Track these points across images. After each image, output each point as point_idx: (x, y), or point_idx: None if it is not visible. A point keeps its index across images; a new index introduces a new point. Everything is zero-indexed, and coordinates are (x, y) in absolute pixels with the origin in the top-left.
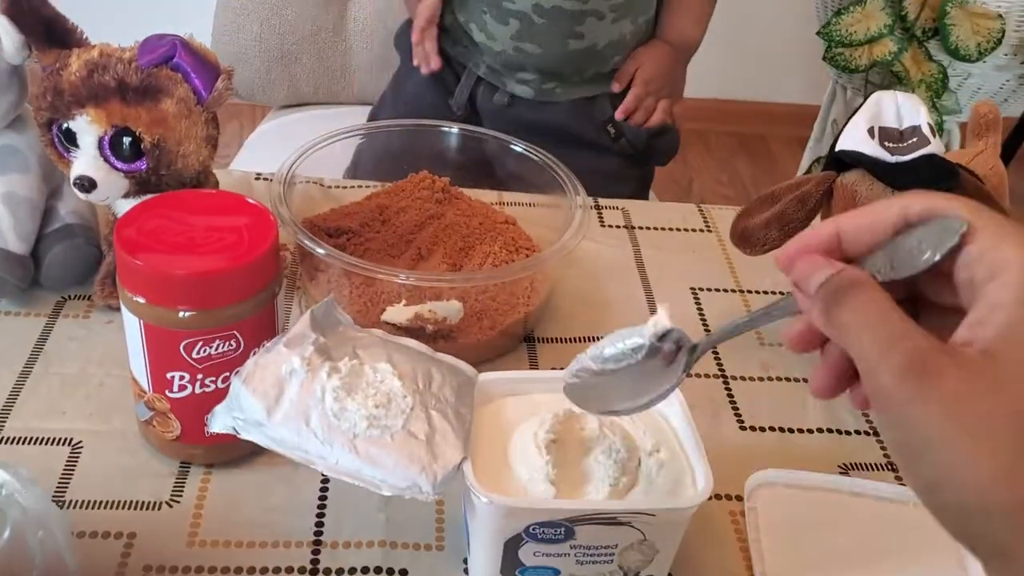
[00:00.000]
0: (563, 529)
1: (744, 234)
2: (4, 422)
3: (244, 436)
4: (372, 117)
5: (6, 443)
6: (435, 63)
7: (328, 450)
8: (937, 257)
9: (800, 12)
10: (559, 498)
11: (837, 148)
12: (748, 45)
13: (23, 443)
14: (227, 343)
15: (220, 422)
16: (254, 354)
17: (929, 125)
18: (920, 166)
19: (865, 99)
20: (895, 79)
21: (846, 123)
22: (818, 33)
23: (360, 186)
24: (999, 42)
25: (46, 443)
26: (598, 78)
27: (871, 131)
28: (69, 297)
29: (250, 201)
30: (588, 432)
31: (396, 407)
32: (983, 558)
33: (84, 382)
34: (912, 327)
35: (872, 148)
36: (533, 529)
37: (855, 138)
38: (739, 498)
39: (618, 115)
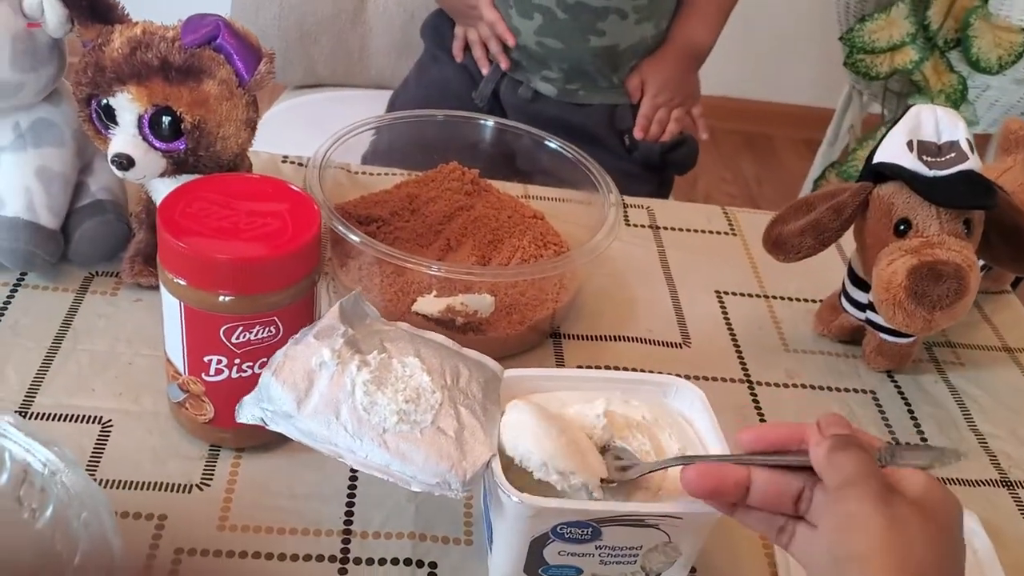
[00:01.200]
0: (590, 529)
1: (778, 241)
2: (34, 397)
3: (273, 428)
4: (393, 101)
5: (37, 418)
6: (504, 63)
7: (358, 444)
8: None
9: (811, 13)
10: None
11: (875, 160)
12: (757, 44)
13: (54, 419)
14: (267, 329)
15: (248, 413)
16: (285, 345)
17: (968, 141)
18: (958, 182)
19: (883, 106)
20: (914, 88)
21: (884, 134)
22: (840, 38)
23: (386, 173)
24: (1020, 56)
25: (76, 420)
26: (621, 87)
27: (910, 144)
28: (97, 273)
29: (293, 187)
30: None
31: (425, 402)
32: None
33: (113, 360)
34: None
35: (911, 161)
36: (560, 529)
37: (894, 150)
38: None
39: (636, 134)
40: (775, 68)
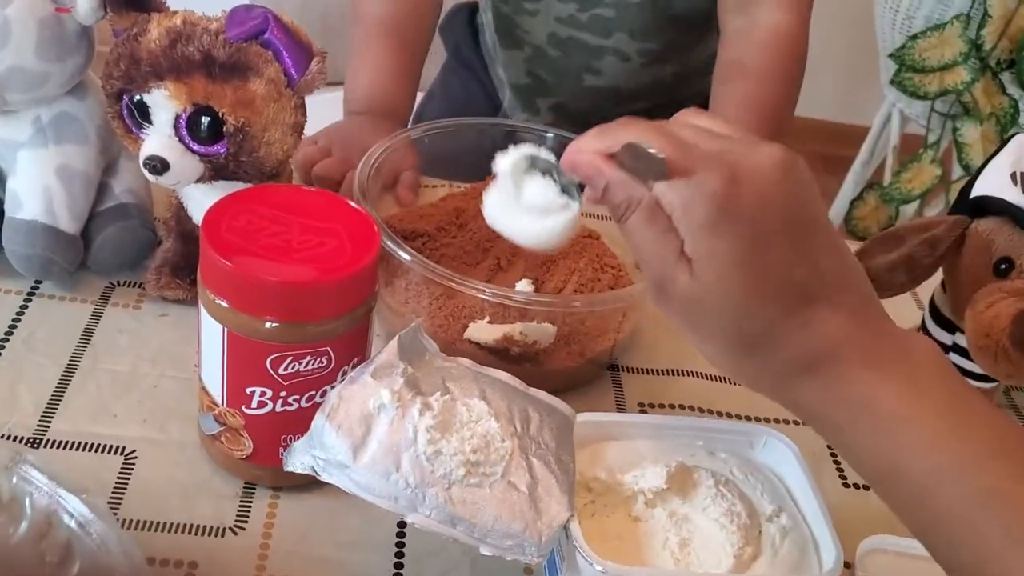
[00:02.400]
0: None
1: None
2: (50, 422)
3: (325, 478)
4: (419, 114)
5: (53, 446)
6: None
7: (420, 500)
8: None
9: (837, 28)
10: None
11: (975, 192)
12: None
13: (72, 448)
14: (318, 360)
15: (298, 460)
16: (337, 380)
17: None
18: None
19: (927, 127)
20: (962, 110)
21: (983, 166)
22: (891, 56)
23: (431, 185)
24: None
25: (96, 450)
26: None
27: (1013, 176)
28: (119, 283)
29: (352, 204)
30: (702, 489)
31: (495, 452)
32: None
33: (137, 382)
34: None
35: (1015, 195)
36: None
37: (996, 183)
38: (848, 565)
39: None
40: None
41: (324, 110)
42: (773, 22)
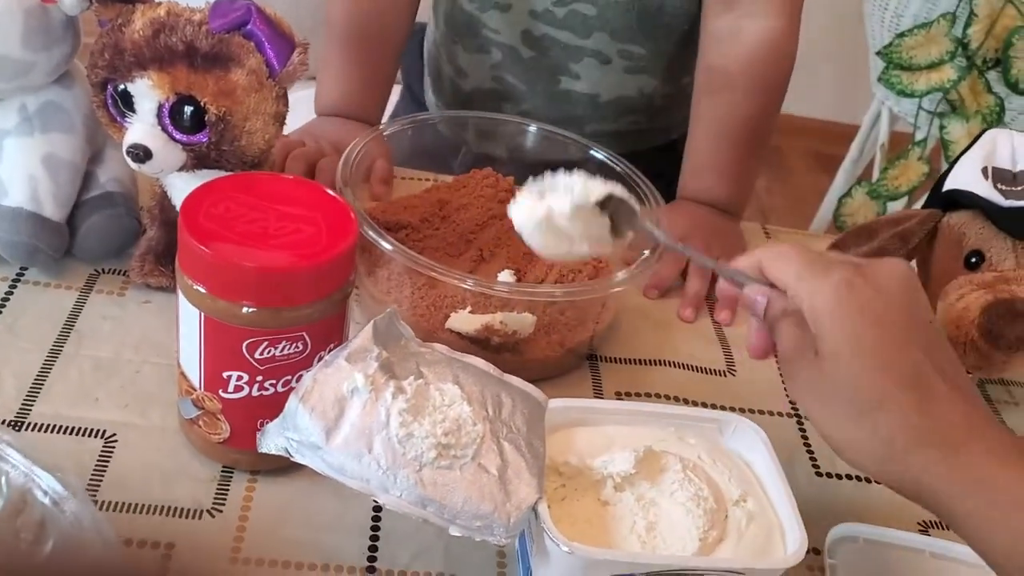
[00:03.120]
0: None
1: None
2: (31, 406)
3: (298, 459)
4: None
5: (35, 429)
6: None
7: (391, 481)
8: None
9: (827, 27)
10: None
11: (947, 186)
12: None
13: (53, 431)
14: (294, 345)
15: (272, 442)
16: (313, 365)
17: None
18: None
19: (915, 125)
20: (949, 108)
21: (955, 160)
22: (878, 53)
23: (412, 178)
24: None
25: (77, 433)
26: (608, 138)
27: (984, 171)
28: (103, 271)
29: (329, 192)
30: (670, 474)
31: (466, 435)
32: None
33: (119, 368)
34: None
35: (986, 189)
36: None
37: (967, 177)
38: (817, 551)
39: (649, 292)
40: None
41: (308, 104)
42: (764, 28)
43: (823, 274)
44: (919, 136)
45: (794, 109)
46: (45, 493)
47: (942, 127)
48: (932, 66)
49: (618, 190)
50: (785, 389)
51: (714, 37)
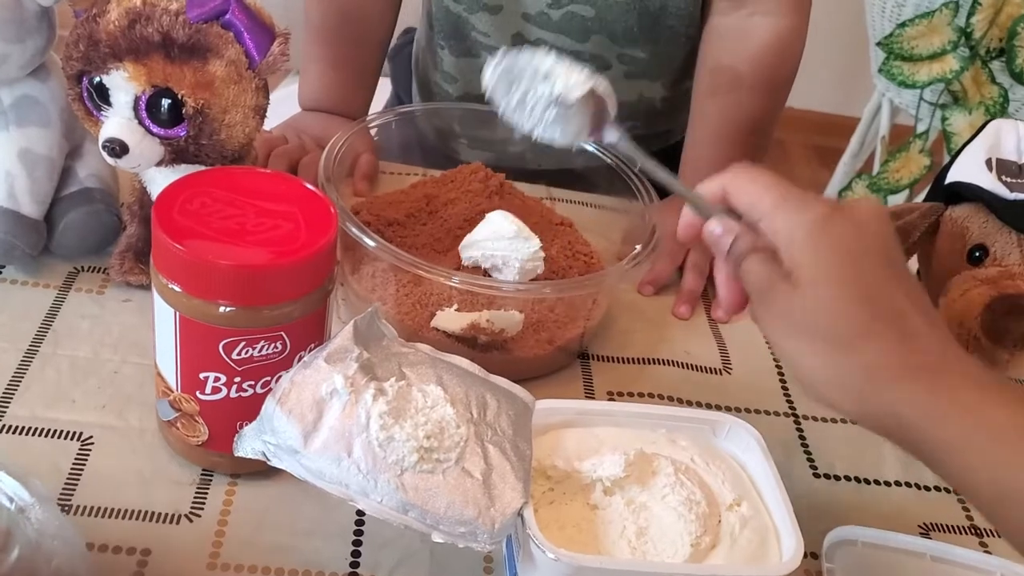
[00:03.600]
0: None
1: None
2: (6, 407)
3: (276, 464)
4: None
5: (9, 432)
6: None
7: (372, 486)
8: None
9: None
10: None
11: (950, 179)
12: None
13: (28, 433)
14: (272, 345)
15: (248, 446)
16: (293, 366)
17: None
18: None
19: (916, 117)
20: (952, 99)
21: (958, 152)
22: (879, 44)
23: (397, 173)
24: None
25: (53, 435)
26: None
27: (988, 163)
28: (82, 268)
29: (308, 187)
30: (661, 477)
31: (449, 438)
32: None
33: (97, 368)
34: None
35: (990, 182)
36: None
37: (970, 169)
38: (815, 555)
39: (645, 289)
40: None
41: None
42: (774, 26)
43: (801, 207)
44: (920, 128)
45: (794, 102)
46: (11, 500)
47: (944, 119)
48: (934, 56)
49: (602, 86)
50: (763, 335)
51: (720, 35)
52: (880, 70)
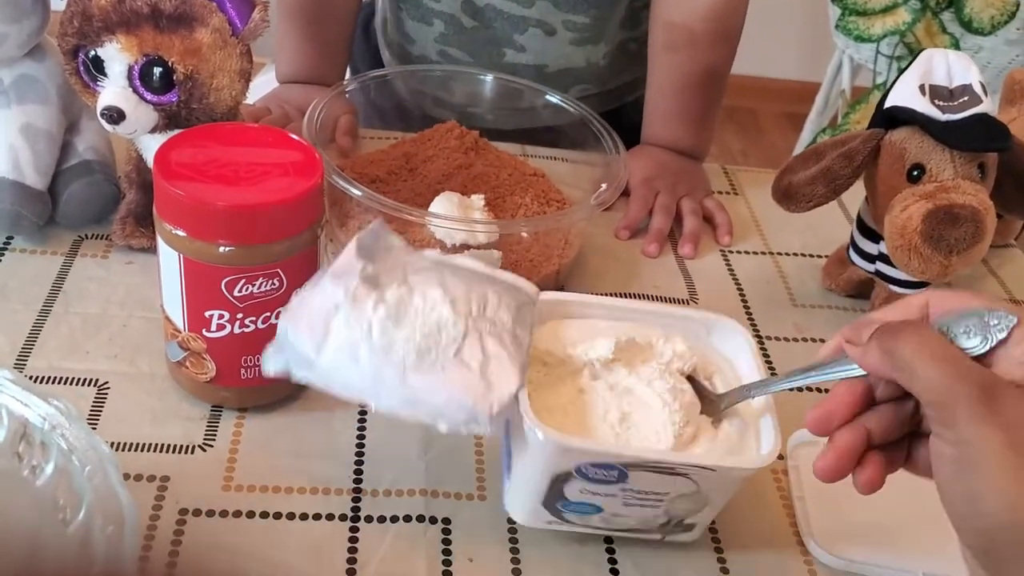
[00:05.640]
0: (617, 472)
1: (788, 191)
2: (25, 360)
3: (297, 376)
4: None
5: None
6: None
7: (379, 386)
8: (988, 346)
9: None
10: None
11: (887, 104)
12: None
13: (47, 382)
14: (270, 282)
15: (273, 364)
16: (297, 292)
17: (981, 84)
18: (973, 125)
19: (874, 70)
20: (907, 50)
21: (894, 81)
22: (833, 1)
23: (378, 137)
24: (1012, 16)
25: (71, 383)
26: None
27: (922, 88)
28: (86, 236)
29: (294, 137)
30: (652, 365)
31: (447, 335)
32: (991, 566)
33: (107, 323)
34: (972, 362)
35: (923, 105)
36: (585, 468)
37: (906, 95)
38: (781, 456)
39: (621, 233)
40: (758, 43)
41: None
42: None
43: (993, 412)
44: (879, 80)
45: (764, 71)
46: (44, 419)
47: (901, 70)
48: (886, 10)
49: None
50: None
51: None
52: (836, 26)
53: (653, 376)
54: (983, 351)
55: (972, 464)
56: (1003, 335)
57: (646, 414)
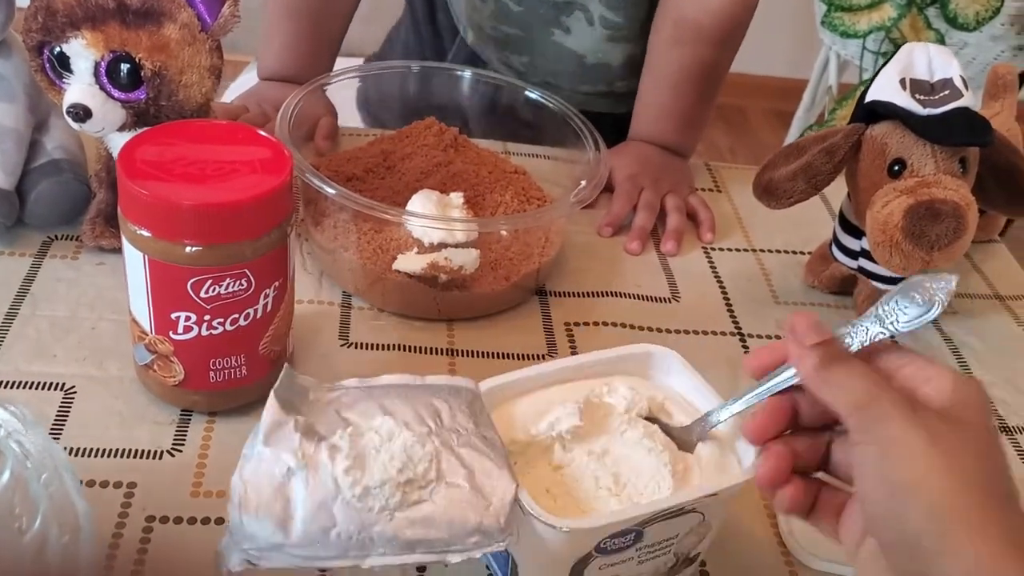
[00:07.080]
0: (633, 534)
1: (769, 187)
2: None
3: (267, 565)
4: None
5: None
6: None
7: (370, 543)
8: (939, 309)
9: None
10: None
11: (868, 98)
12: None
13: (12, 387)
14: (237, 282)
15: (235, 559)
16: (236, 470)
17: (962, 78)
18: (954, 119)
19: (860, 66)
20: (893, 46)
21: (875, 75)
22: None
23: (355, 134)
24: (997, 11)
25: (37, 387)
26: (596, 98)
27: (903, 82)
28: (56, 237)
29: (262, 134)
30: (614, 418)
31: (421, 462)
32: (912, 565)
33: (75, 326)
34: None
35: (904, 100)
36: (604, 544)
37: (886, 89)
38: None
39: (604, 230)
40: (746, 40)
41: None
42: None
43: (916, 414)
44: (866, 76)
45: (752, 68)
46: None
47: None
48: (872, 6)
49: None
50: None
51: None
52: (822, 22)
53: (622, 428)
54: (936, 315)
55: (898, 460)
56: (945, 297)
57: (635, 467)
